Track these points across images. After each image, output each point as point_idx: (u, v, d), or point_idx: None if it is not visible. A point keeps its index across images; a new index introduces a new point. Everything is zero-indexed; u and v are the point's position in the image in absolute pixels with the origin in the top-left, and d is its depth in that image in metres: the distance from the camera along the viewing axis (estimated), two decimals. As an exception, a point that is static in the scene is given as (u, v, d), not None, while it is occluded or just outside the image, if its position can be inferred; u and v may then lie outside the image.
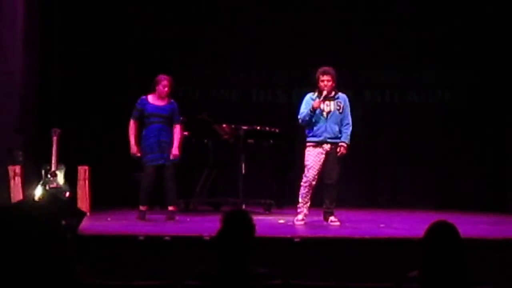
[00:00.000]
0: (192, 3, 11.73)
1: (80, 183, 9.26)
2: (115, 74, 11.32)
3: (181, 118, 8.88)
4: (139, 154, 8.66)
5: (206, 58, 11.72)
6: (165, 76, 8.70)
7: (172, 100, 8.72)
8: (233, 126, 9.78)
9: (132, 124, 8.72)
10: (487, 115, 11.42)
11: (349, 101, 8.63)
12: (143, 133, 8.67)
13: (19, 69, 9.46)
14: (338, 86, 8.56)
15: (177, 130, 8.71)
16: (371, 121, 11.50)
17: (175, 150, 8.65)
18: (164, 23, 11.56)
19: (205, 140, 10.14)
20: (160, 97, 8.65)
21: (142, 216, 8.68)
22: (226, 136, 9.93)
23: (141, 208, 8.74)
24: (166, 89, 8.62)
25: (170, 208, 8.78)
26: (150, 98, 8.67)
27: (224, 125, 9.83)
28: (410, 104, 11.70)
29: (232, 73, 11.77)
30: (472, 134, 11.50)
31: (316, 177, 8.37)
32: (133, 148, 8.66)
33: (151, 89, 8.68)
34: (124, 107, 11.00)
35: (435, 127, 11.61)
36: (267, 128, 10.08)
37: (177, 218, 8.79)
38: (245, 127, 9.71)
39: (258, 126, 10.04)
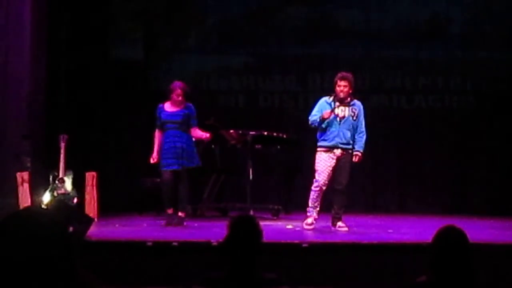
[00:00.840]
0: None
1: (88, 189, 9.27)
2: (123, 80, 11.35)
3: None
4: (152, 161, 8.70)
5: (213, 64, 11.74)
6: (179, 84, 8.73)
7: (188, 105, 8.74)
8: (240, 131, 9.78)
9: (156, 133, 8.79)
10: (496, 120, 11.39)
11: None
12: (162, 139, 8.72)
13: (27, 76, 9.48)
14: (354, 92, 8.55)
15: (194, 132, 8.77)
16: (379, 126, 11.48)
17: (205, 137, 8.83)
18: (171, 27, 11.62)
19: (213, 146, 10.14)
20: (175, 105, 8.69)
21: (170, 221, 8.69)
22: (233, 142, 9.93)
23: (168, 211, 8.76)
24: (180, 98, 8.66)
25: (180, 214, 8.79)
26: (167, 106, 8.73)
27: (231, 131, 9.83)
28: (418, 109, 11.69)
29: (239, 78, 11.78)
30: (481, 138, 11.47)
31: (326, 182, 8.36)
32: (154, 156, 8.71)
33: (167, 97, 8.73)
34: (131, 113, 11.05)
35: (444, 132, 11.59)
36: (275, 134, 10.08)
37: (185, 223, 8.79)
38: (252, 133, 9.71)
39: (265, 131, 10.04)
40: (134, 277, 6.51)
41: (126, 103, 11.22)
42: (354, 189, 9.35)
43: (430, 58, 11.70)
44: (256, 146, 9.82)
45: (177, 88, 8.67)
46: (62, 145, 9.22)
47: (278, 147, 10.19)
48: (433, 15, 11.77)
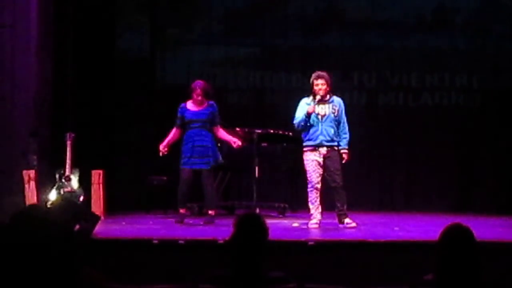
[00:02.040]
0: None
1: (94, 187, 9.28)
2: (130, 79, 11.36)
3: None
4: (163, 151, 8.67)
5: (219, 55, 11.76)
6: (198, 84, 8.76)
7: (211, 102, 8.77)
8: (246, 129, 9.78)
9: (173, 130, 8.80)
10: (501, 118, 11.37)
11: (348, 105, 8.64)
12: (183, 138, 8.73)
13: (34, 74, 9.49)
14: (334, 89, 8.60)
15: (219, 131, 8.78)
16: (385, 124, 11.48)
17: (235, 143, 8.81)
18: (177, 18, 11.64)
19: (219, 144, 10.14)
20: (197, 104, 8.71)
21: (181, 220, 8.70)
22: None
23: (180, 211, 8.77)
24: (199, 97, 8.68)
25: (210, 212, 8.80)
26: (189, 105, 8.76)
27: (237, 129, 9.84)
28: (424, 107, 11.68)
29: (246, 76, 11.79)
30: (487, 136, 11.45)
31: (319, 180, 8.37)
32: (162, 146, 8.69)
33: (188, 96, 8.76)
34: (138, 111, 11.06)
35: (450, 130, 11.57)
36: (281, 132, 10.07)
37: (216, 221, 8.76)
38: (258, 131, 9.71)
39: (271, 129, 10.03)
40: (140, 275, 6.52)
41: (133, 100, 11.24)
42: (360, 188, 9.35)
43: (436, 48, 11.66)
44: (262, 144, 9.82)
45: (197, 87, 8.70)
46: (69, 143, 9.23)
47: (284, 145, 10.18)
48: (439, 5, 11.75)
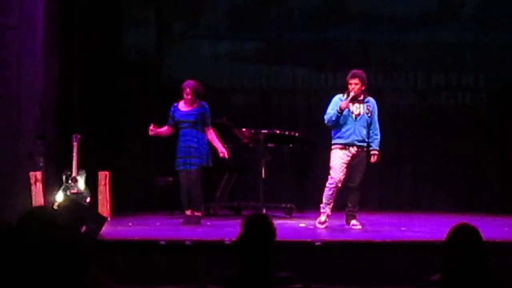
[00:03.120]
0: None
1: (101, 188, 9.29)
2: (136, 79, 11.38)
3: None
4: (151, 132, 8.73)
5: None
6: (188, 83, 8.76)
7: (202, 103, 8.77)
8: (252, 130, 9.78)
9: (166, 126, 8.84)
10: (509, 117, 11.33)
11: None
12: (177, 139, 8.76)
13: (40, 76, 9.50)
14: (367, 89, 8.54)
15: (209, 133, 8.77)
16: (392, 124, 11.45)
17: (222, 154, 8.80)
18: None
19: (225, 145, 10.14)
20: (187, 104, 8.71)
21: (187, 221, 8.70)
22: (246, 140, 9.93)
23: (186, 212, 8.79)
24: (189, 96, 8.68)
25: (196, 213, 8.80)
26: (180, 105, 8.77)
27: (243, 129, 9.84)
28: (431, 106, 11.66)
29: (251, 72, 11.79)
30: (494, 136, 11.42)
31: (342, 179, 8.33)
32: (155, 127, 8.76)
33: (179, 96, 8.78)
34: (144, 112, 11.06)
35: (457, 129, 11.54)
36: (287, 132, 10.07)
37: (202, 222, 8.79)
38: (264, 131, 9.71)
39: (277, 130, 10.03)
40: (147, 276, 6.52)
41: (139, 96, 11.24)
42: (367, 187, 9.32)
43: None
44: (269, 144, 9.81)
45: (186, 87, 8.71)
46: (75, 144, 9.24)
47: (291, 145, 10.17)
48: None
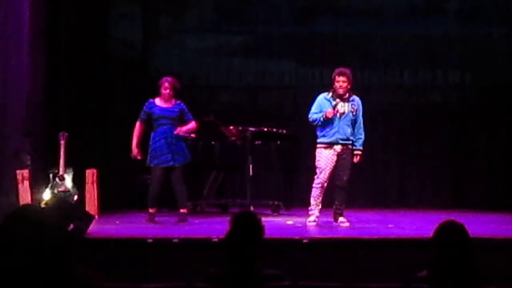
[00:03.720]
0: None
1: (88, 186, 9.26)
2: (122, 77, 11.36)
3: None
4: (139, 157, 8.70)
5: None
6: (167, 78, 8.75)
7: (178, 101, 8.76)
8: (240, 127, 9.78)
9: (137, 125, 8.78)
10: (495, 115, 11.38)
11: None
12: (152, 135, 8.71)
13: (26, 73, 9.47)
14: (352, 88, 8.55)
15: (191, 123, 8.77)
16: (379, 121, 11.48)
17: (181, 129, 8.69)
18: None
19: (212, 142, 10.13)
20: (165, 100, 8.68)
21: (151, 219, 8.69)
22: (233, 138, 9.93)
23: (150, 210, 8.75)
24: (167, 91, 8.65)
25: (182, 210, 8.79)
26: (157, 101, 8.72)
27: (231, 127, 9.83)
28: (418, 104, 11.68)
29: (238, 74, 11.79)
30: (481, 133, 11.46)
31: (327, 178, 8.35)
32: (134, 150, 8.71)
33: (157, 93, 8.74)
34: (131, 109, 11.03)
35: (443, 126, 11.58)
36: (274, 129, 10.08)
37: (189, 220, 8.78)
38: (252, 129, 9.70)
39: (265, 127, 10.04)
40: (134, 274, 6.51)
41: (126, 92, 11.21)
42: (354, 185, 9.34)
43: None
44: (256, 142, 9.81)
45: (165, 81, 8.69)
46: (62, 142, 9.21)
47: (278, 142, 10.18)
48: None
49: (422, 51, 11.64)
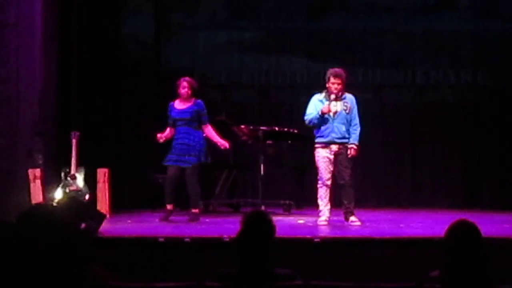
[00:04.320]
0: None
1: (100, 185, 9.28)
2: (134, 77, 11.37)
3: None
4: (161, 140, 8.72)
5: (224, 59, 11.75)
6: (185, 78, 8.78)
7: (198, 101, 8.76)
8: (251, 127, 9.78)
9: (167, 130, 8.84)
10: (509, 114, 11.33)
11: (359, 102, 8.62)
12: (173, 136, 8.77)
13: (39, 73, 9.49)
14: (349, 86, 8.57)
15: (207, 130, 8.78)
16: (391, 120, 11.46)
17: (222, 145, 8.83)
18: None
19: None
20: (183, 100, 8.70)
21: (166, 217, 8.71)
22: (244, 137, 9.93)
23: (168, 207, 8.78)
24: (185, 90, 8.67)
25: (194, 210, 8.80)
26: (176, 103, 8.76)
27: (242, 126, 9.84)
28: (430, 103, 11.65)
29: (251, 73, 11.79)
30: (493, 132, 11.42)
31: (329, 177, 8.36)
32: (160, 134, 8.75)
33: (171, 91, 8.76)
34: (143, 109, 11.06)
35: (456, 126, 11.54)
36: (286, 129, 10.07)
37: (200, 219, 8.79)
38: (263, 128, 9.71)
39: (276, 127, 10.03)
40: (146, 273, 6.52)
41: (138, 88, 11.22)
42: (366, 184, 9.34)
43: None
44: (268, 141, 9.81)
45: (183, 81, 8.71)
46: (74, 141, 9.24)
47: (289, 142, 10.17)
48: None
49: (434, 48, 11.59)
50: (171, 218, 8.79)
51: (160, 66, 11.67)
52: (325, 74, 8.61)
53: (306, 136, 10.16)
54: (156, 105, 11.00)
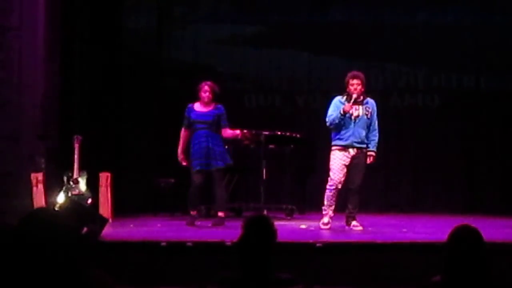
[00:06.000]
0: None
1: (102, 189, 9.29)
2: (137, 81, 11.38)
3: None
4: (184, 163, 8.73)
5: (225, 63, 11.76)
6: (206, 82, 8.77)
7: (218, 106, 8.76)
8: (254, 131, 9.78)
9: (182, 132, 8.83)
10: (508, 116, 11.33)
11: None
12: (191, 140, 8.73)
13: (41, 77, 9.51)
14: (367, 91, 8.54)
15: (226, 133, 8.80)
16: (393, 125, 11.46)
17: (239, 135, 9.04)
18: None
19: (226, 146, 10.14)
20: (204, 104, 8.69)
21: (192, 222, 8.72)
22: (247, 142, 9.93)
23: (191, 213, 8.79)
24: (207, 94, 8.67)
25: (220, 214, 8.80)
26: (196, 106, 8.76)
27: (245, 131, 9.84)
28: (432, 107, 11.65)
29: (252, 78, 11.80)
30: (495, 137, 11.42)
31: (342, 180, 8.34)
32: (179, 156, 8.75)
33: (197, 97, 8.76)
34: (145, 114, 11.06)
35: (458, 130, 11.54)
36: (288, 133, 10.07)
37: (226, 223, 8.76)
38: (266, 132, 9.71)
39: (279, 131, 10.04)
40: (148, 277, 6.52)
41: (140, 100, 11.22)
42: (367, 189, 9.33)
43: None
44: (270, 146, 9.81)
45: (204, 85, 8.71)
46: (76, 146, 9.25)
47: (292, 146, 10.17)
48: None
49: (435, 47, 11.58)
50: (197, 223, 8.78)
51: (162, 60, 11.66)
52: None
53: (308, 140, 10.19)
54: (159, 107, 11.03)
